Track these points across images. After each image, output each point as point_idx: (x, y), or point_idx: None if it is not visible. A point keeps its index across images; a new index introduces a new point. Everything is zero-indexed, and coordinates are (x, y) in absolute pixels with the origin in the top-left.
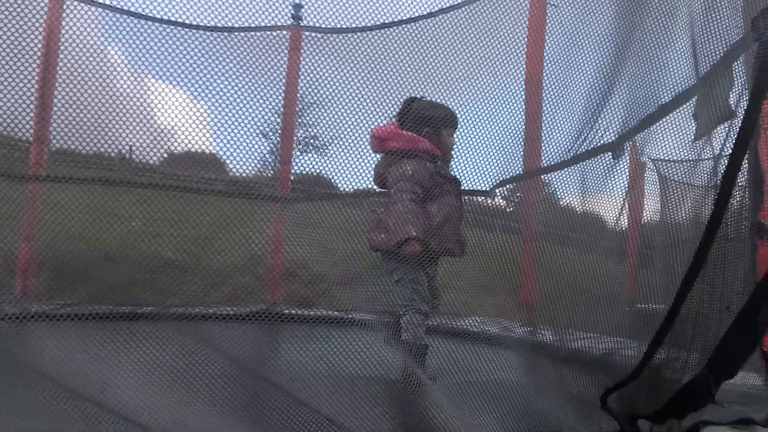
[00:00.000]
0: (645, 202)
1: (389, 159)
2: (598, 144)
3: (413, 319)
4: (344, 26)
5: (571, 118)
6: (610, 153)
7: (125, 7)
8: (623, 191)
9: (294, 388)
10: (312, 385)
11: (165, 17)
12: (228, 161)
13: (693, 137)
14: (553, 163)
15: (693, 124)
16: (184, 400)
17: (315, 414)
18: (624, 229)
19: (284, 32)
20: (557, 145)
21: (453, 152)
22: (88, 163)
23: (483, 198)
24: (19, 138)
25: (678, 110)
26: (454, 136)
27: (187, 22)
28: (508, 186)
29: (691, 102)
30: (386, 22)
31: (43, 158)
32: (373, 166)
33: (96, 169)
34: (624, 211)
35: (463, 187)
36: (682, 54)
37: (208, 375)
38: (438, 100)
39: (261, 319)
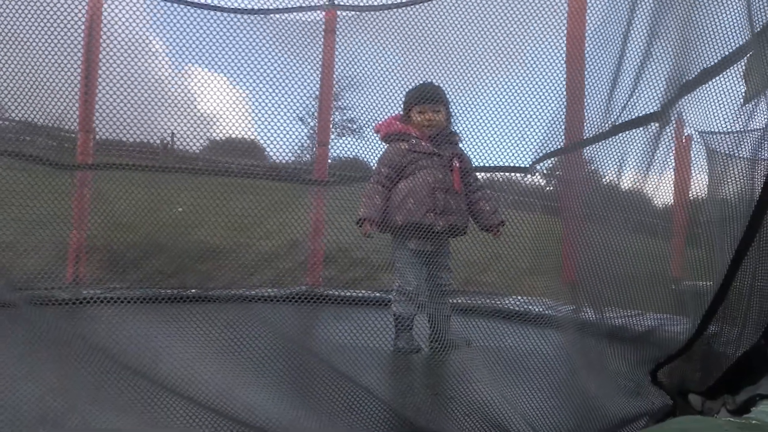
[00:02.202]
0: (692, 177)
1: None
2: (640, 114)
3: (396, 296)
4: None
5: (614, 83)
6: (656, 123)
7: None
8: (668, 165)
9: (334, 361)
10: (351, 359)
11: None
12: (267, 146)
13: (742, 101)
14: (594, 135)
15: (741, 88)
16: (232, 373)
17: (353, 384)
18: (670, 205)
19: (319, 13)
20: (599, 115)
21: (431, 128)
22: (132, 151)
23: (523, 175)
24: (66, 129)
25: (726, 76)
26: (437, 110)
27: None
28: (548, 162)
29: (740, 63)
30: None
31: (90, 147)
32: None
33: (140, 156)
34: (667, 187)
35: (503, 164)
36: (734, 10)
37: (254, 349)
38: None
39: (301, 300)
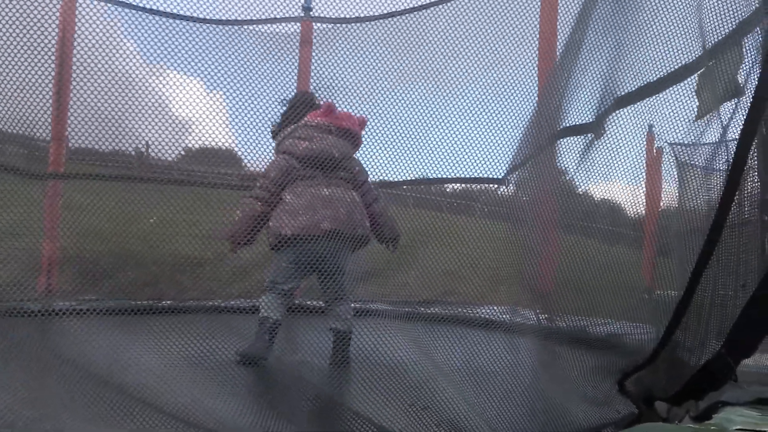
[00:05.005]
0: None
1: None
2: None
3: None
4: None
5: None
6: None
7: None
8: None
9: (305, 373)
10: (322, 371)
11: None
12: (242, 155)
13: (695, 116)
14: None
15: (695, 103)
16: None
17: (324, 396)
18: (637, 215)
19: (295, 24)
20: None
21: None
22: (106, 160)
23: (496, 186)
24: (38, 137)
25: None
26: None
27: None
28: (517, 173)
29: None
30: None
31: (62, 156)
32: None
33: (114, 166)
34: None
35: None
36: (686, 26)
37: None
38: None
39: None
